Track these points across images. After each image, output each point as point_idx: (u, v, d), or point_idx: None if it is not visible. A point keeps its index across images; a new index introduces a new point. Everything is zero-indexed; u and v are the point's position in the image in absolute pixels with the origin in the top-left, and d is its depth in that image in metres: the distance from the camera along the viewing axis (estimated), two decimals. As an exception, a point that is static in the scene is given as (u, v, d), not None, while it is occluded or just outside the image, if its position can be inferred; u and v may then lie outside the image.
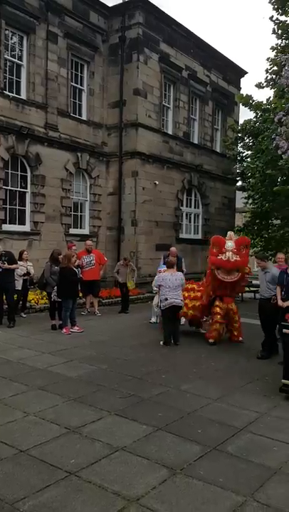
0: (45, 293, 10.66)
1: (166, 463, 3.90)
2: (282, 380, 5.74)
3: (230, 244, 8.54)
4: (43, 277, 9.78)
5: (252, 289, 18.85)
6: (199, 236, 19.51)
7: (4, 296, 9.84)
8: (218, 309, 8.88)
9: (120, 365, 6.98)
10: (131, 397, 5.53)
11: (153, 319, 10.78)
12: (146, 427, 4.64)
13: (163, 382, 6.15)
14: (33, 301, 11.77)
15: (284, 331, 5.78)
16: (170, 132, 17.56)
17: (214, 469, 3.83)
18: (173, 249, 12.02)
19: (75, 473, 3.67)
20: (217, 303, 8.93)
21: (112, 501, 3.30)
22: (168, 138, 17.33)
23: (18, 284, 10.36)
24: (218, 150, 20.52)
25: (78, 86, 15.64)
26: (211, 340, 8.72)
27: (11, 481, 3.51)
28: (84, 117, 15.79)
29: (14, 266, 9.97)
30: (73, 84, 15.37)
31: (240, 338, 9.04)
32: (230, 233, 9.04)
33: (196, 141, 19.08)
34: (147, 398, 5.55)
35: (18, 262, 10.34)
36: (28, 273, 10.59)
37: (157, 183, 16.47)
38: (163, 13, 16.52)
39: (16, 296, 10.37)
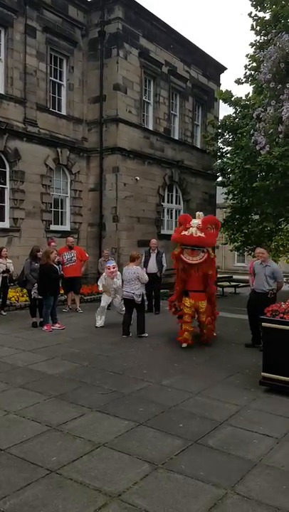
0: (25, 290, 10.55)
1: (147, 458, 3.92)
2: (262, 373, 5.82)
3: (195, 221, 7.85)
4: (23, 274, 9.68)
5: (232, 283, 19.15)
6: (180, 232, 19.54)
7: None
8: (185, 308, 8.11)
9: (102, 362, 6.97)
10: (112, 393, 5.53)
11: (99, 323, 9.77)
12: (128, 423, 4.65)
13: (144, 378, 6.17)
14: (13, 298, 11.65)
15: (263, 324, 5.86)
16: (151, 128, 17.53)
17: (195, 463, 3.86)
18: (153, 240, 12.07)
19: (56, 470, 3.65)
20: (184, 300, 8.18)
21: (93, 498, 3.30)
22: (149, 133, 17.30)
23: None
24: (198, 146, 20.58)
25: (58, 81, 15.47)
26: (183, 345, 7.97)
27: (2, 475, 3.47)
28: (64, 112, 15.64)
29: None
30: (52, 79, 15.20)
31: (210, 340, 8.35)
32: (198, 213, 8.44)
33: (176, 137, 19.10)
34: (128, 394, 5.56)
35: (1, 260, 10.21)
36: (7, 270, 10.46)
37: (138, 178, 16.44)
38: (143, 8, 16.44)
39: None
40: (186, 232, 7.78)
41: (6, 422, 4.61)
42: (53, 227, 15.11)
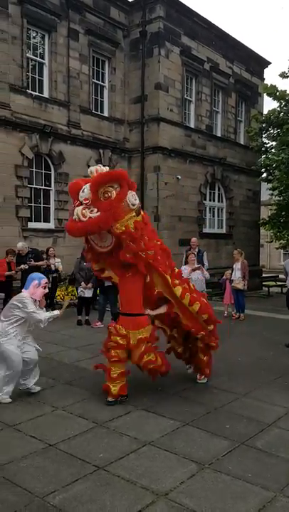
0: (71, 289, 10.75)
1: (194, 458, 3.89)
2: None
3: (83, 193, 4.77)
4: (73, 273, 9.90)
5: (279, 283, 18.67)
6: (223, 230, 19.32)
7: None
8: (111, 342, 5.16)
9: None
10: (157, 392, 5.54)
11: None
12: (174, 422, 4.64)
13: (189, 377, 6.13)
14: (58, 297, 11.91)
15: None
16: (192, 126, 17.41)
17: (243, 464, 3.80)
18: (193, 239, 11.91)
19: (103, 467, 3.70)
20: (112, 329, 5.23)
21: (140, 495, 3.32)
22: (190, 131, 17.19)
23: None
24: (241, 142, 20.24)
25: (100, 82, 15.66)
26: (109, 399, 5.07)
27: (40, 475, 3.57)
28: (106, 114, 15.82)
29: (41, 263, 10.11)
30: (95, 80, 15.40)
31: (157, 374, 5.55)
32: (94, 168, 5.01)
33: (219, 134, 18.86)
34: (173, 393, 5.54)
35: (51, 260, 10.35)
36: (56, 270, 10.63)
37: (180, 177, 16.37)
38: (184, 5, 16.35)
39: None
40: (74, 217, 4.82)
41: (54, 417, 4.72)
42: (96, 227, 15.29)
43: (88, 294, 9.72)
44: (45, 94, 13.83)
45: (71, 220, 4.86)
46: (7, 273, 10.25)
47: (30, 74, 13.46)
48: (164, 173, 15.87)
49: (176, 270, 5.62)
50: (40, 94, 13.67)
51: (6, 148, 12.53)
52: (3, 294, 10.03)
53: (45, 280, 5.29)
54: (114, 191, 4.68)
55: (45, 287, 5.23)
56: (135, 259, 4.92)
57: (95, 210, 4.65)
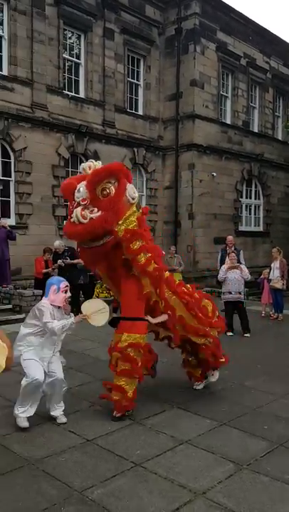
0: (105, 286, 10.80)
1: (231, 457, 3.85)
2: None
3: (78, 193, 4.32)
4: None
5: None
6: (260, 228, 18.97)
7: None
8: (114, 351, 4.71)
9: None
10: (193, 391, 5.51)
11: None
12: (211, 422, 4.60)
13: (226, 377, 6.06)
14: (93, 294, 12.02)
15: None
16: (228, 122, 17.20)
17: (282, 466, 3.73)
18: (229, 237, 11.70)
19: (140, 464, 3.72)
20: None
21: (178, 493, 3.31)
22: (226, 128, 16.98)
23: (82, 279, 10.45)
24: (279, 137, 19.84)
25: (135, 81, 15.70)
26: (116, 414, 4.61)
27: (79, 469, 3.62)
28: (140, 112, 15.85)
29: (76, 261, 10.23)
30: (130, 79, 15.46)
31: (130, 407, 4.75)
32: (86, 164, 4.57)
33: (256, 130, 18.54)
34: (209, 392, 5.50)
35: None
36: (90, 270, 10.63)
37: (215, 174, 16.20)
38: (220, 1, 16.16)
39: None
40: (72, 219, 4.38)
41: (91, 413, 4.78)
42: (130, 225, 15.35)
43: None
44: (81, 95, 14.00)
45: (70, 223, 4.38)
46: (44, 270, 10.46)
47: (66, 74, 13.65)
48: (199, 171, 15.75)
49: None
50: (76, 95, 13.85)
51: (44, 149, 12.78)
52: (40, 291, 10.24)
53: (64, 284, 4.53)
54: (112, 187, 4.28)
55: (66, 291, 4.51)
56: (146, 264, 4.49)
57: (95, 209, 4.21)
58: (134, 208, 4.49)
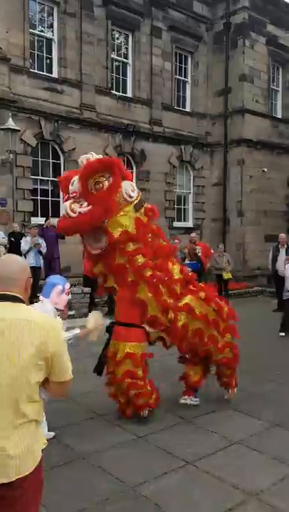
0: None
1: (285, 460, 3.74)
2: None
3: (72, 186, 4.19)
4: None
5: None
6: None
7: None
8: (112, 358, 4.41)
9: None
10: (244, 392, 5.39)
11: None
12: (262, 423, 4.49)
13: (277, 378, 5.91)
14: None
15: None
16: (279, 116, 16.77)
17: None
18: (282, 235, 11.36)
19: (192, 462, 3.69)
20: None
21: (230, 494, 3.26)
22: (277, 122, 16.55)
23: None
24: None
25: (182, 78, 15.63)
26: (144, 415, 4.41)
27: (130, 465, 3.64)
28: (188, 109, 15.76)
29: (124, 258, 10.34)
30: (177, 76, 15.41)
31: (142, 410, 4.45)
32: (84, 157, 4.31)
33: (308, 124, 17.92)
34: (260, 393, 5.37)
35: None
36: None
37: (266, 170, 15.81)
38: (269, -7, 15.77)
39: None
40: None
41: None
42: (176, 223, 15.33)
43: None
44: (129, 94, 14.10)
45: (62, 217, 4.29)
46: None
47: (114, 74, 13.79)
48: (249, 167, 15.43)
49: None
50: (124, 94, 13.97)
51: (92, 149, 12.48)
52: (89, 289, 10.42)
53: (69, 284, 3.99)
54: (106, 181, 4.01)
55: (69, 293, 3.97)
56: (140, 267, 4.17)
57: (85, 203, 4.01)
58: (131, 208, 4.12)
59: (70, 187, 4.13)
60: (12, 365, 1.80)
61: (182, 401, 4.92)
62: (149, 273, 4.21)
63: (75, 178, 4.10)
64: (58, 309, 3.82)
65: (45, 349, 1.86)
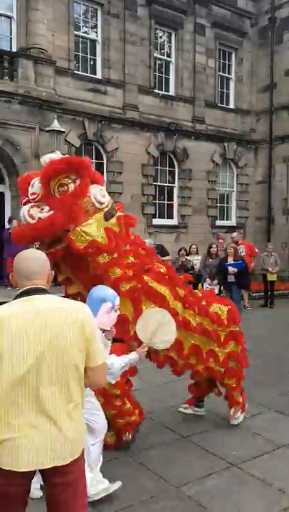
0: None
1: None
2: None
3: (32, 188, 3.54)
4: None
5: None
6: None
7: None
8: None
9: (277, 361, 6.70)
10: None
11: None
12: (310, 427, 4.36)
13: None
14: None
15: None
16: None
17: None
18: None
19: (237, 465, 3.63)
20: None
21: (277, 498, 3.20)
22: None
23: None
24: None
25: (226, 75, 15.44)
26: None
27: (175, 465, 3.63)
28: (231, 106, 15.55)
29: (166, 258, 10.29)
30: (221, 73, 15.22)
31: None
32: (47, 156, 3.66)
33: None
34: (308, 397, 5.21)
35: (187, 257, 10.41)
36: (192, 267, 10.48)
37: (312, 167, 15.32)
38: (317, -17, 15.25)
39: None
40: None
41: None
42: (218, 222, 15.16)
43: (214, 290, 9.66)
44: (171, 92, 14.07)
45: (18, 223, 3.81)
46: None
47: (156, 73, 13.80)
48: (295, 164, 15.02)
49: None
50: (166, 93, 13.95)
51: (135, 149, 13.06)
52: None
53: (118, 299, 3.22)
54: (72, 184, 3.41)
55: (117, 310, 3.21)
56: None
57: (46, 208, 3.38)
58: (101, 216, 3.50)
59: (30, 189, 3.49)
60: (61, 352, 1.87)
61: (181, 409, 4.63)
62: (127, 286, 3.65)
63: (36, 179, 3.49)
64: (102, 329, 3.05)
65: (85, 333, 1.95)
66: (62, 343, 1.88)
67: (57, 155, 3.62)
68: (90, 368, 2.00)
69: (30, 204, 3.45)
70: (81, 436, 1.97)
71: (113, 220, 3.59)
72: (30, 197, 3.49)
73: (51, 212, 3.35)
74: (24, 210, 3.45)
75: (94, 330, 2.01)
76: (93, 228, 3.44)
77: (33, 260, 2.05)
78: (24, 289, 1.97)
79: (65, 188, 3.40)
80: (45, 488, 2.01)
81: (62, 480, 1.90)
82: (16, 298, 1.97)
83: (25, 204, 3.51)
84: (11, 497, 1.89)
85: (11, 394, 1.82)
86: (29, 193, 3.50)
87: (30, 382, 1.83)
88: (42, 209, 3.40)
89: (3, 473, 1.83)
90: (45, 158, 3.60)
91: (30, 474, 1.89)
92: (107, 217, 3.57)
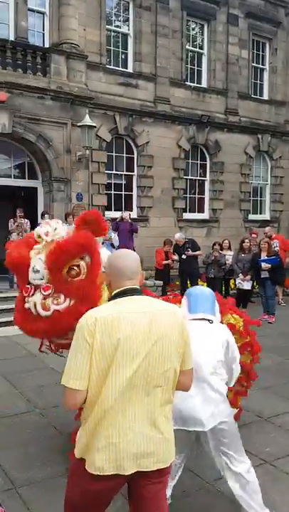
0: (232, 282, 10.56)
1: None
2: None
3: (35, 273, 3.01)
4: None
5: None
6: None
7: (189, 282, 10.17)
8: None
9: None
10: None
11: None
12: None
13: None
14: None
15: None
16: None
17: None
18: None
19: (270, 462, 3.56)
20: None
21: (312, 498, 3.10)
22: None
23: (212, 272, 10.21)
24: None
25: (260, 66, 15.10)
26: None
27: (208, 461, 3.56)
28: (265, 97, 15.22)
29: (198, 253, 10.23)
30: (254, 64, 14.90)
31: None
32: (42, 230, 3.11)
33: None
34: None
35: (221, 252, 10.29)
36: (224, 262, 10.32)
37: None
38: None
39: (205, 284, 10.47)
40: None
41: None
42: (251, 216, 14.89)
43: (247, 286, 9.52)
44: (203, 84, 13.90)
45: (23, 314, 3.08)
46: (164, 262, 10.64)
47: (188, 66, 13.65)
48: None
49: None
50: (199, 85, 13.78)
51: (165, 142, 12.96)
52: (160, 282, 10.46)
53: None
54: (82, 261, 2.93)
55: None
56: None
57: (62, 297, 2.89)
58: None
59: (33, 274, 2.98)
60: (165, 353, 1.86)
61: None
62: None
63: (38, 262, 2.97)
64: None
65: (183, 336, 1.94)
66: (167, 345, 1.86)
67: (57, 228, 3.07)
68: (183, 371, 1.98)
69: (41, 295, 2.92)
70: (173, 436, 1.98)
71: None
72: (43, 290, 2.92)
73: (67, 301, 2.88)
74: (36, 301, 2.92)
75: (188, 333, 1.99)
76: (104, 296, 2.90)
77: (132, 260, 2.03)
78: (123, 288, 1.94)
79: (76, 269, 2.92)
80: (137, 488, 1.97)
81: (161, 479, 1.94)
82: (114, 297, 1.95)
83: (32, 294, 2.97)
84: (106, 499, 1.97)
85: (118, 396, 1.79)
86: (32, 279, 2.99)
87: (137, 384, 1.82)
88: (56, 298, 2.90)
89: (105, 477, 1.83)
90: (40, 233, 3.08)
91: (130, 477, 1.89)
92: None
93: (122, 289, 1.94)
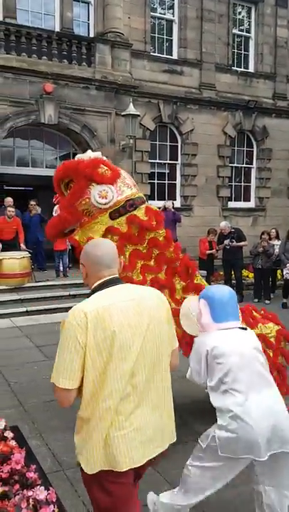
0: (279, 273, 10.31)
1: None
2: None
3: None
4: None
5: None
6: None
7: (233, 272, 10.02)
8: None
9: None
10: None
11: None
12: None
13: None
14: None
15: None
16: None
17: None
18: None
19: None
20: None
21: None
22: None
23: (260, 263, 9.95)
24: None
25: (309, 48, 14.46)
26: None
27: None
28: (316, 81, 14.57)
29: (243, 243, 10.03)
30: (304, 47, 14.29)
31: None
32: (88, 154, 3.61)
33: None
34: None
35: (270, 242, 10.05)
36: (272, 254, 10.03)
37: None
38: None
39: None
40: None
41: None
42: (303, 206, 14.41)
43: None
44: (250, 69, 13.52)
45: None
46: (208, 251, 10.53)
47: (235, 50, 13.29)
48: None
49: None
50: (245, 70, 13.43)
51: (210, 129, 12.74)
52: (204, 272, 10.36)
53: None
54: (68, 189, 3.53)
55: None
56: None
57: (57, 208, 3.99)
58: (105, 216, 3.41)
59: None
60: (159, 338, 1.87)
61: None
62: None
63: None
64: None
65: (168, 317, 1.96)
66: (158, 327, 1.86)
67: (93, 154, 3.58)
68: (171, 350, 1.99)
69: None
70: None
71: (121, 219, 3.44)
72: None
73: (59, 211, 3.66)
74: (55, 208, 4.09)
75: (170, 312, 2.00)
76: (93, 229, 3.40)
77: (110, 247, 1.97)
78: (103, 280, 1.87)
79: (64, 191, 3.56)
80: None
81: (143, 471, 1.93)
82: (96, 290, 1.87)
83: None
84: (133, 497, 1.88)
85: (121, 385, 1.75)
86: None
87: (138, 373, 1.79)
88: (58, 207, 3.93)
89: (118, 474, 1.75)
90: (84, 156, 3.57)
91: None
92: (113, 216, 3.45)
93: (102, 280, 1.87)
